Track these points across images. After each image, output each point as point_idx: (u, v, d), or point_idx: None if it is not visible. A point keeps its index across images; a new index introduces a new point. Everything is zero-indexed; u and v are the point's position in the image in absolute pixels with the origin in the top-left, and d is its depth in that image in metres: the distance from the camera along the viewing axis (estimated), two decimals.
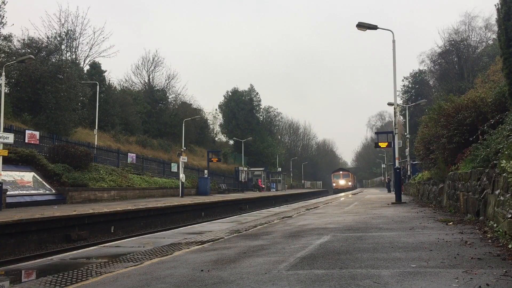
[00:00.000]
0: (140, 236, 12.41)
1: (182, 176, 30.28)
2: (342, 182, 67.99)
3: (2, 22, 26.40)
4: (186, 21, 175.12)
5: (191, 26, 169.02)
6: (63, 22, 42.00)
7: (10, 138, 16.70)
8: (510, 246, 5.43)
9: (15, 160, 19.57)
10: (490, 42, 44.20)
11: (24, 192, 18.66)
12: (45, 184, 20.21)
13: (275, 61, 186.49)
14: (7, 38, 28.44)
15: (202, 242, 8.24)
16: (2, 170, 16.53)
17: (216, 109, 70.98)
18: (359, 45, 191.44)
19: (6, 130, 18.16)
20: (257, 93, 69.56)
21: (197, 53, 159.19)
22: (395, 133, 17.91)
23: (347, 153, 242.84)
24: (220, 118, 69.72)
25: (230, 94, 67.25)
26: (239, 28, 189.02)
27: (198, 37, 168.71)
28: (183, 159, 30.98)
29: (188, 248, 7.60)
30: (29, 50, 29.37)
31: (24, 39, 31.37)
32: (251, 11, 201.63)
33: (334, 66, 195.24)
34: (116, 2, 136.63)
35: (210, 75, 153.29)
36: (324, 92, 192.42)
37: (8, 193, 17.16)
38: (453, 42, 46.61)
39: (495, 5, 11.34)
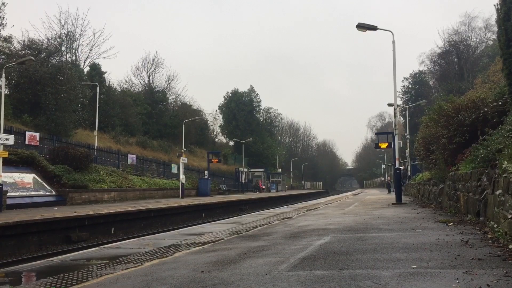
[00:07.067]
0: (141, 237, 12.40)
1: (182, 177, 30.26)
2: None
3: (2, 24, 26.47)
4: (185, 22, 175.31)
5: (191, 27, 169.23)
6: (63, 23, 42.04)
7: (11, 139, 16.70)
8: (510, 246, 5.42)
9: (15, 162, 19.57)
10: (490, 42, 44.24)
11: (24, 193, 18.66)
12: (45, 185, 20.20)
13: (273, 62, 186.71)
14: (7, 39, 28.47)
15: (203, 243, 8.23)
16: (3, 172, 16.53)
17: (216, 110, 71.15)
18: (357, 45, 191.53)
19: (6, 131, 18.15)
20: (257, 94, 69.62)
21: (197, 53, 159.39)
22: (395, 134, 17.90)
23: (347, 153, 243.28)
24: (220, 119, 69.82)
25: (230, 95, 67.28)
26: (238, 29, 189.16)
27: (197, 38, 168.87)
28: (184, 160, 30.96)
29: (188, 249, 7.59)
30: (29, 52, 29.36)
31: (24, 41, 31.41)
32: (250, 13, 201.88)
33: (333, 66, 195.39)
34: (116, 2, 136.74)
35: (210, 76, 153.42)
36: (322, 93, 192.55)
37: (8, 194, 17.15)
38: (453, 42, 46.64)
39: (494, 5, 11.35)
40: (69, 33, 41.63)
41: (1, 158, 16.32)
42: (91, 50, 44.26)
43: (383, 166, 69.48)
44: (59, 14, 56.97)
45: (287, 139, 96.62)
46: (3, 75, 17.16)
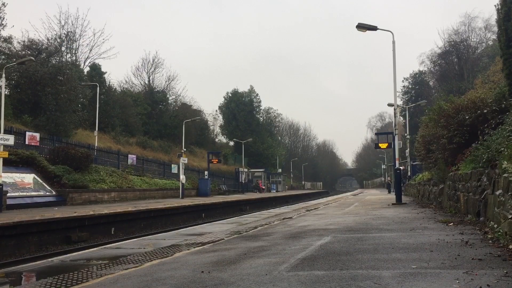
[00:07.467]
0: (141, 238, 12.41)
1: (182, 177, 30.25)
2: None
3: (2, 24, 26.46)
4: (185, 22, 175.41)
5: (191, 27, 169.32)
6: (63, 23, 42.03)
7: (11, 139, 16.69)
8: (510, 246, 5.42)
9: (15, 162, 19.56)
10: (490, 42, 44.23)
11: (25, 193, 18.65)
12: (46, 185, 20.20)
13: (273, 62, 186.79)
14: (7, 40, 28.48)
15: (203, 244, 8.23)
16: (3, 172, 16.53)
17: (216, 110, 71.21)
18: (357, 45, 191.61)
19: (6, 131, 18.16)
20: (257, 94, 69.65)
21: (197, 53, 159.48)
22: (395, 134, 17.90)
23: (347, 154, 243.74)
24: (220, 119, 69.87)
25: (230, 95, 67.33)
26: (238, 29, 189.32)
27: (197, 38, 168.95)
28: (184, 160, 30.96)
29: (188, 249, 7.59)
30: (29, 52, 29.37)
31: (24, 41, 31.40)
32: (250, 13, 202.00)
33: (333, 66, 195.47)
34: (116, 2, 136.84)
35: (210, 76, 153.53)
36: (322, 93, 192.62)
37: (8, 194, 17.15)
38: (453, 42, 46.62)
39: (495, 5, 11.37)
40: (69, 34, 41.64)
41: (1, 159, 16.32)
42: (91, 50, 44.29)
43: (383, 166, 69.43)
44: (59, 14, 56.89)
45: (287, 139, 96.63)
46: (3, 75, 17.16)
